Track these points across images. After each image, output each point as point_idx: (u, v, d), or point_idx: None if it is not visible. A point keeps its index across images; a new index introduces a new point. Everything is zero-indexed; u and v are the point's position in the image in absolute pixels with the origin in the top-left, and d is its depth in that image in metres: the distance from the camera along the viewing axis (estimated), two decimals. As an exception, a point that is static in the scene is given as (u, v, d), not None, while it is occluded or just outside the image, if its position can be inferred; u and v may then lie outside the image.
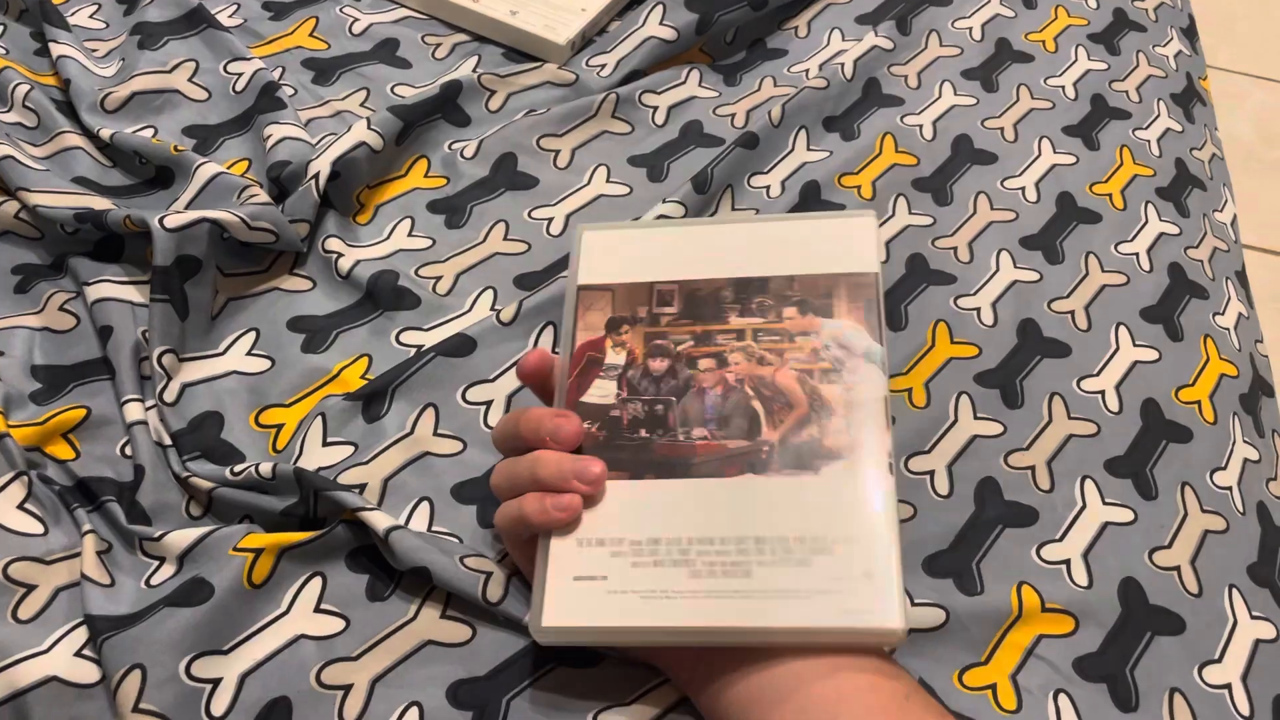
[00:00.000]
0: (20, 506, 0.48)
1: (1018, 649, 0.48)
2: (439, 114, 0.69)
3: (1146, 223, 0.68)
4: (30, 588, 0.46)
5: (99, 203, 0.59)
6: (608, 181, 0.67)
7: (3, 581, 0.46)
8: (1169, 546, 0.53)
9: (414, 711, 0.43)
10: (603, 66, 0.74)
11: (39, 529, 0.48)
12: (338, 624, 0.46)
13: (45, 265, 0.60)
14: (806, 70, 0.75)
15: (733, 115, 0.72)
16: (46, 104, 0.66)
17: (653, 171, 0.68)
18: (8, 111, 0.66)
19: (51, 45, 0.69)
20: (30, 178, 0.60)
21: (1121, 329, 0.62)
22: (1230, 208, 0.75)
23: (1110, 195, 0.70)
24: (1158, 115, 0.77)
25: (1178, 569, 0.52)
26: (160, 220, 0.56)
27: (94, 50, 0.72)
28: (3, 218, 0.60)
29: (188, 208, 0.60)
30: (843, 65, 0.74)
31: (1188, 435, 0.57)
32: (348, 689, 0.44)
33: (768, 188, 0.67)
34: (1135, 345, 0.61)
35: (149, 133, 0.66)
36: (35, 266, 0.60)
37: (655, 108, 0.72)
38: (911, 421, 0.56)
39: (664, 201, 0.63)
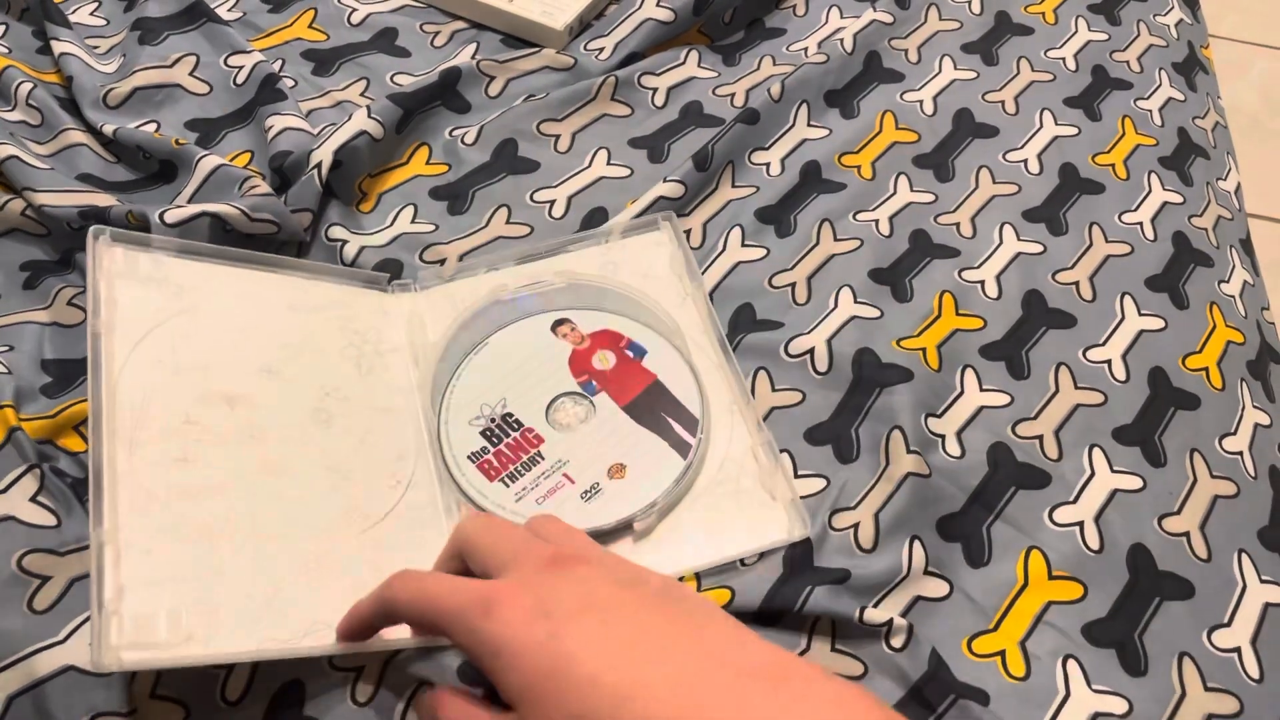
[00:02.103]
0: (33, 499, 0.48)
1: (1027, 616, 0.48)
2: (439, 101, 0.69)
3: (1150, 192, 0.68)
4: (45, 579, 0.46)
5: (102, 199, 0.59)
6: (608, 164, 0.67)
7: (17, 573, 0.46)
8: (1178, 513, 0.53)
9: (425, 691, 0.44)
10: (601, 50, 0.74)
11: (52, 521, 0.48)
12: (349, 606, 0.46)
13: (53, 261, 0.60)
14: (806, 48, 0.75)
15: (732, 95, 0.72)
16: (50, 101, 0.67)
17: (653, 153, 0.68)
18: (11, 110, 0.66)
19: (53, 43, 0.70)
20: (35, 177, 0.60)
21: (1127, 298, 0.62)
22: (1234, 176, 0.74)
23: (1113, 165, 0.69)
24: (1159, 85, 0.76)
25: (1187, 535, 0.52)
26: (160, 215, 0.56)
27: (95, 47, 0.73)
28: (9, 216, 0.61)
29: (190, 201, 0.61)
30: (842, 40, 0.74)
31: (1195, 402, 0.57)
32: (360, 670, 0.44)
33: (768, 165, 0.67)
34: (1141, 314, 0.61)
35: (151, 127, 0.67)
36: (43, 263, 0.60)
37: (654, 89, 0.72)
38: (927, 380, 0.56)
39: (664, 180, 0.63)
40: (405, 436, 0.52)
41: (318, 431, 0.50)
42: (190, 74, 0.70)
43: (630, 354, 0.55)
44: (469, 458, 0.51)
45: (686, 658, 0.34)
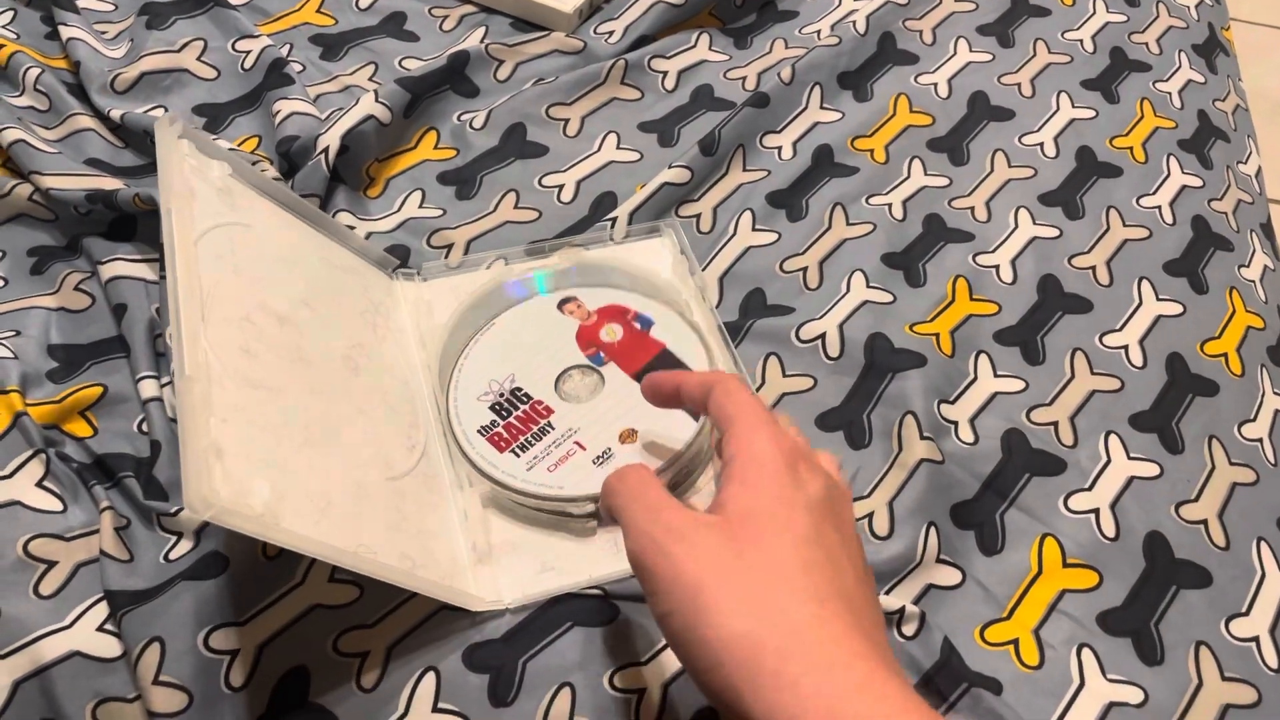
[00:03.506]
0: (39, 484, 0.48)
1: (1040, 604, 0.47)
2: (447, 85, 0.69)
3: (1168, 175, 0.67)
4: (51, 564, 0.46)
5: (109, 183, 0.59)
6: (618, 148, 0.66)
7: (24, 558, 0.46)
8: (1196, 500, 0.52)
9: (431, 676, 0.43)
10: (611, 33, 0.73)
11: (58, 506, 0.48)
12: (353, 592, 0.46)
13: (60, 246, 0.60)
14: (818, 31, 0.74)
15: (744, 78, 0.71)
16: (58, 87, 0.66)
17: (663, 137, 0.67)
18: (19, 95, 0.66)
19: (61, 28, 0.70)
20: (42, 161, 0.60)
21: (1144, 283, 0.61)
22: (1255, 159, 0.73)
23: (1131, 149, 0.68)
24: (1179, 67, 0.75)
25: (1204, 522, 0.51)
26: None
27: (103, 32, 0.72)
28: (17, 201, 0.60)
29: (198, 185, 0.60)
30: (855, 22, 0.73)
31: (1214, 388, 0.56)
32: (365, 656, 0.44)
33: (779, 149, 0.66)
34: (1159, 299, 0.60)
35: (159, 113, 0.66)
36: (50, 248, 0.60)
37: (665, 73, 0.71)
38: (940, 366, 0.55)
39: (669, 167, 0.63)
40: (416, 408, 0.52)
41: (349, 376, 0.50)
42: (198, 59, 0.70)
43: (638, 325, 0.55)
44: (479, 431, 0.51)
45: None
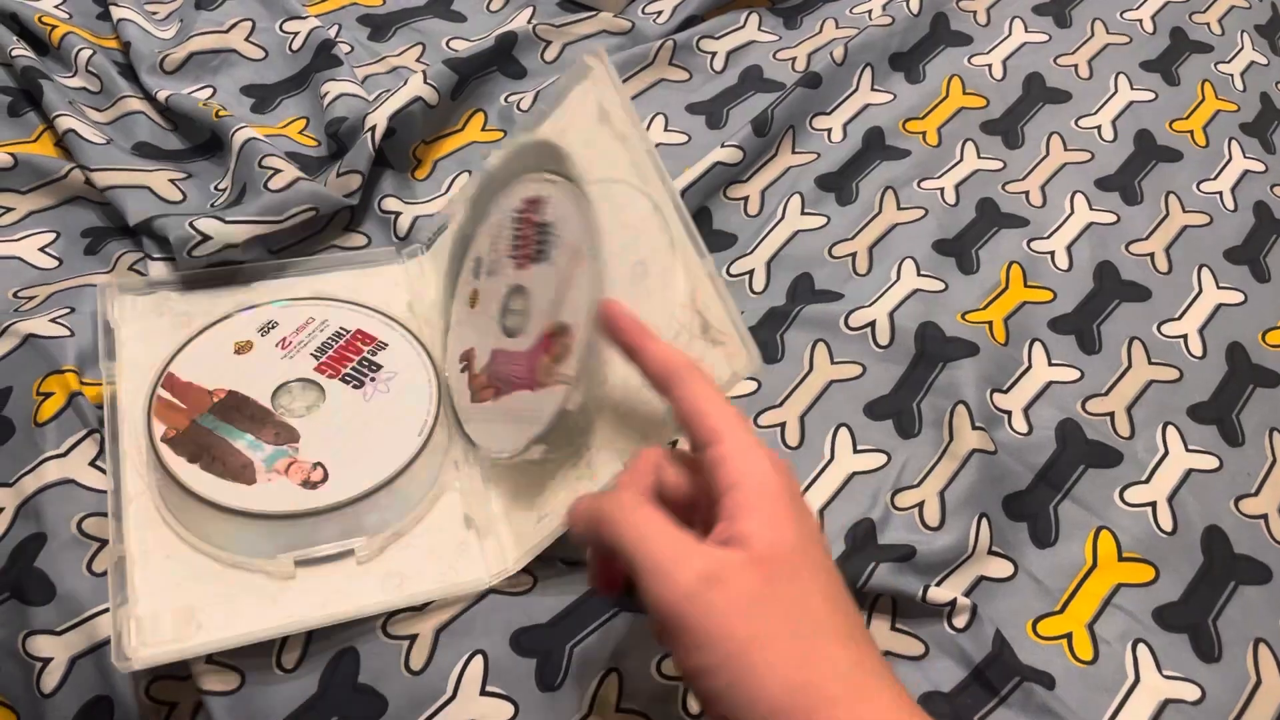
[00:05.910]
0: (93, 463, 0.49)
1: (1095, 598, 0.47)
2: (494, 66, 0.68)
3: (1230, 160, 0.65)
4: (104, 542, 0.47)
5: (157, 179, 0.59)
6: (666, 130, 0.66)
7: (78, 536, 0.46)
8: (1256, 494, 0.51)
9: (478, 659, 0.43)
10: (659, 13, 0.72)
11: (111, 485, 0.48)
12: (402, 575, 0.46)
13: (114, 228, 0.61)
14: (870, 10, 0.73)
15: (793, 59, 0.70)
16: (109, 68, 0.67)
17: (711, 118, 0.66)
18: (72, 76, 0.67)
19: (112, 8, 0.70)
20: (91, 154, 0.60)
21: (1204, 271, 0.59)
22: (1320, 143, 0.71)
23: (1191, 132, 0.67)
24: (1241, 48, 0.73)
25: (1265, 517, 0.50)
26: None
27: (154, 13, 0.72)
28: (73, 183, 0.61)
29: (232, 174, 0.60)
30: (908, 1, 0.72)
31: (1275, 379, 0.55)
32: (413, 639, 0.44)
33: (829, 130, 0.65)
34: (1219, 287, 0.59)
35: (207, 93, 0.66)
36: (104, 229, 0.60)
37: (713, 53, 0.70)
38: (993, 355, 0.54)
39: (722, 146, 0.62)
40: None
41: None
42: (246, 39, 0.70)
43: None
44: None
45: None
